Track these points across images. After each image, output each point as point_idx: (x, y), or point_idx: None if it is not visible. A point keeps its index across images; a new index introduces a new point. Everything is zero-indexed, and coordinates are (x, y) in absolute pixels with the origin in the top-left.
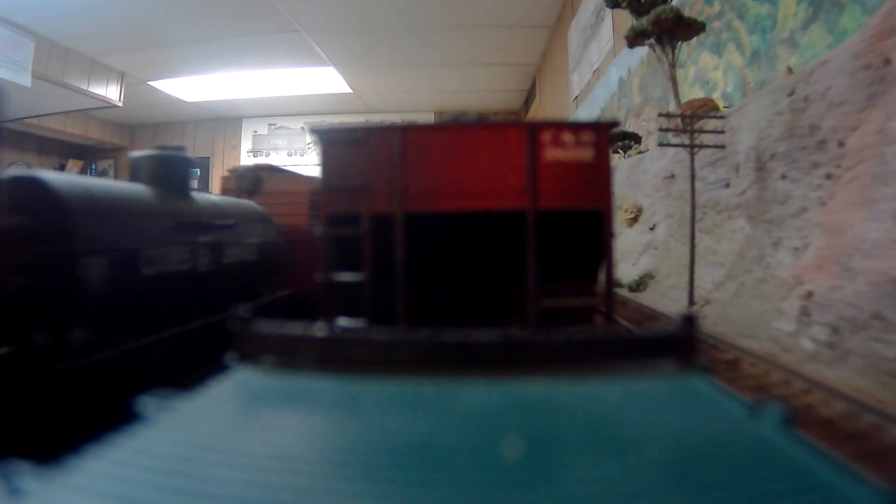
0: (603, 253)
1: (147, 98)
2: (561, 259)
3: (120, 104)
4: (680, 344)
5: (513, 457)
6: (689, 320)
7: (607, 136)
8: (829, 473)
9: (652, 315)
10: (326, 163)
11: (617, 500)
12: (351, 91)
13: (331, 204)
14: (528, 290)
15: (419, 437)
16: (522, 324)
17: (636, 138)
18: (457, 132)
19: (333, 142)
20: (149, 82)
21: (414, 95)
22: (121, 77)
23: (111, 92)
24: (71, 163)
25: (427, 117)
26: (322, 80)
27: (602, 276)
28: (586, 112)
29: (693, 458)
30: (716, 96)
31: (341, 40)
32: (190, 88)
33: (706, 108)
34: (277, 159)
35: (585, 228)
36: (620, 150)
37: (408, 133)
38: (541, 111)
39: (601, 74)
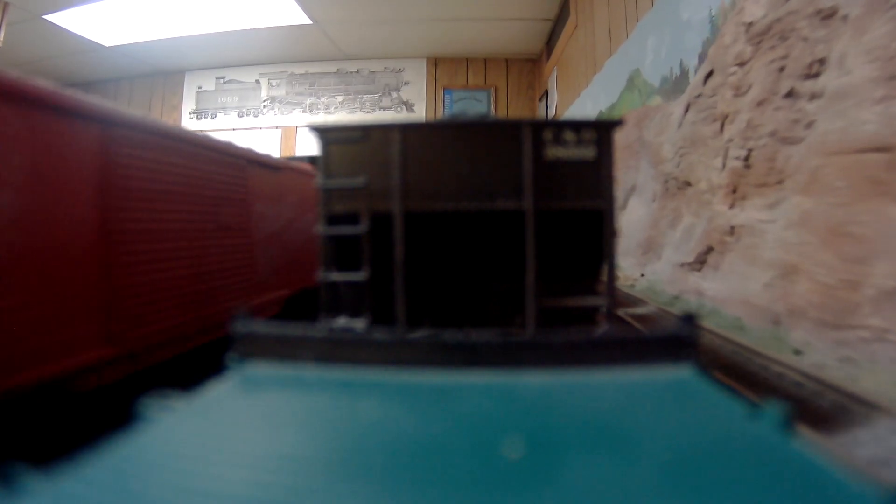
0: (604, 252)
1: (51, 42)
2: (563, 258)
3: None
4: (680, 343)
5: (513, 456)
6: (690, 320)
7: (610, 134)
8: (829, 473)
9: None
10: (325, 161)
11: (616, 500)
12: (311, 22)
13: (330, 203)
14: (528, 289)
15: (419, 436)
16: (523, 323)
17: None
18: (457, 130)
19: (332, 140)
20: (44, 16)
21: (397, 29)
22: (2, 7)
23: None
24: None
25: (419, 65)
26: (269, 5)
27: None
28: None
29: (692, 458)
30: None
31: None
32: (104, 26)
33: None
34: (226, 121)
35: (587, 227)
36: None
37: (408, 131)
38: (580, 32)
39: None
